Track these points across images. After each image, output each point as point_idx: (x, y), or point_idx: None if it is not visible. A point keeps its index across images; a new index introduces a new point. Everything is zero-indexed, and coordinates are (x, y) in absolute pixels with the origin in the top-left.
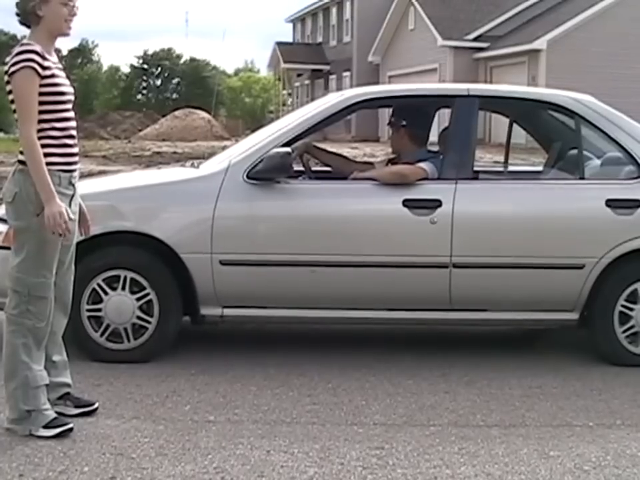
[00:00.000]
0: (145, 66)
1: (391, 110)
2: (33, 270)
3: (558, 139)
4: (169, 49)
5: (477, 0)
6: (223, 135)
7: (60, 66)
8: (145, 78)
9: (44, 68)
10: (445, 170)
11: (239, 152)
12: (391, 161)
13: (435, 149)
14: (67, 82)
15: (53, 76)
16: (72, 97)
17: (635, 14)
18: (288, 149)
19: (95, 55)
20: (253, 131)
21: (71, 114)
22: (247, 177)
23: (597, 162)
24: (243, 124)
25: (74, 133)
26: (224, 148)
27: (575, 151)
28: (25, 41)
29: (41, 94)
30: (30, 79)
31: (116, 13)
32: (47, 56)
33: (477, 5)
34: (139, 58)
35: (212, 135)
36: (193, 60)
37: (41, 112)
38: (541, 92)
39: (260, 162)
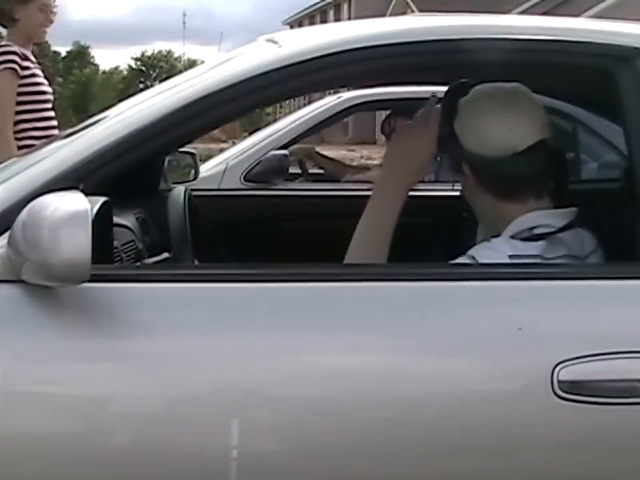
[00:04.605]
0: (143, 68)
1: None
2: None
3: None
4: (167, 51)
5: (475, 3)
6: (220, 137)
7: (39, 66)
8: (142, 80)
9: (23, 68)
10: (442, 172)
11: (236, 154)
12: None
13: None
14: (46, 82)
15: (33, 75)
16: (51, 97)
17: (633, 16)
18: (285, 152)
19: (92, 56)
20: (251, 133)
21: (52, 113)
22: (244, 179)
23: (594, 165)
24: (240, 126)
25: (55, 132)
26: (221, 150)
27: (571, 154)
28: (3, 42)
29: (21, 94)
30: (9, 81)
31: (113, 15)
32: (27, 55)
33: (474, 8)
34: (136, 60)
35: (209, 137)
36: (191, 62)
37: (22, 112)
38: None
39: (257, 164)
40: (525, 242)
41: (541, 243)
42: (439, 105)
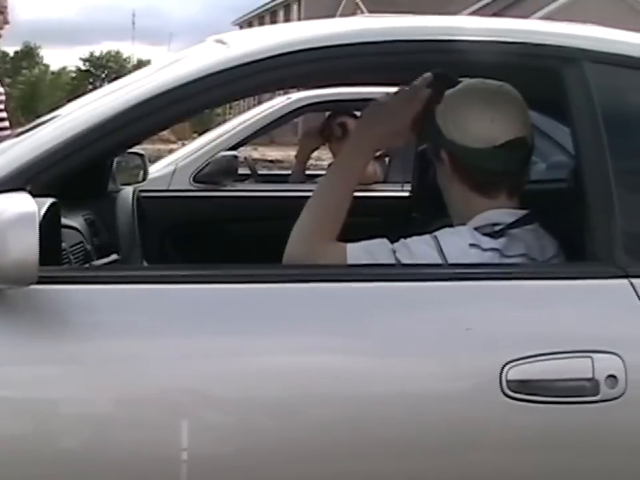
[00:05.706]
0: (92, 69)
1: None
2: None
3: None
4: (116, 51)
5: (424, 4)
6: (169, 138)
7: None
8: (91, 81)
9: None
10: (392, 173)
11: (186, 155)
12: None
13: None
14: None
15: None
16: (3, 97)
17: (581, 18)
18: (235, 153)
19: (41, 57)
20: (200, 134)
21: (4, 114)
22: (194, 180)
23: (543, 166)
24: (190, 127)
25: (8, 133)
26: (170, 151)
27: None
28: None
29: None
30: None
31: (59, 15)
32: None
33: (423, 9)
34: (84, 61)
35: (158, 138)
36: (140, 62)
37: None
38: None
39: (207, 165)
40: (486, 237)
41: (501, 240)
42: (430, 87)
